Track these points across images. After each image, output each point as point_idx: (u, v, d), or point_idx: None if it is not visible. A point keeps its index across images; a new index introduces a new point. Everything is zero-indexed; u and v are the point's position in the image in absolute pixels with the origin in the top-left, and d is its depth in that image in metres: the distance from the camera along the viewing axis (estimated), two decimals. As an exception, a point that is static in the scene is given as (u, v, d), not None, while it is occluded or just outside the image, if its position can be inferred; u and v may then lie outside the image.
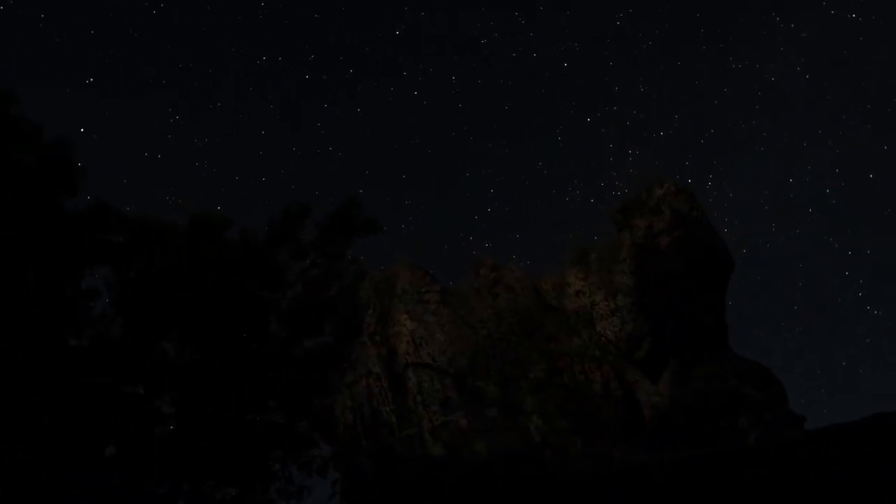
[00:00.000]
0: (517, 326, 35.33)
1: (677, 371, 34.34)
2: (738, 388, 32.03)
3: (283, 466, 19.02)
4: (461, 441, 28.98)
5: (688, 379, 33.63)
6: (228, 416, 17.92)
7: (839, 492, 14.97)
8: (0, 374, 16.35)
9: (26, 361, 16.72)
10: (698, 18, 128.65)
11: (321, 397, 19.58)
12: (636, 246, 37.20)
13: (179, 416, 17.95)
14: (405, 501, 21.60)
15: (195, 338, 18.13)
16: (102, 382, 17.67)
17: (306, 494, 19.27)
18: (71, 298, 17.67)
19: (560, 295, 39.54)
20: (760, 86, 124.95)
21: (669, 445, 31.90)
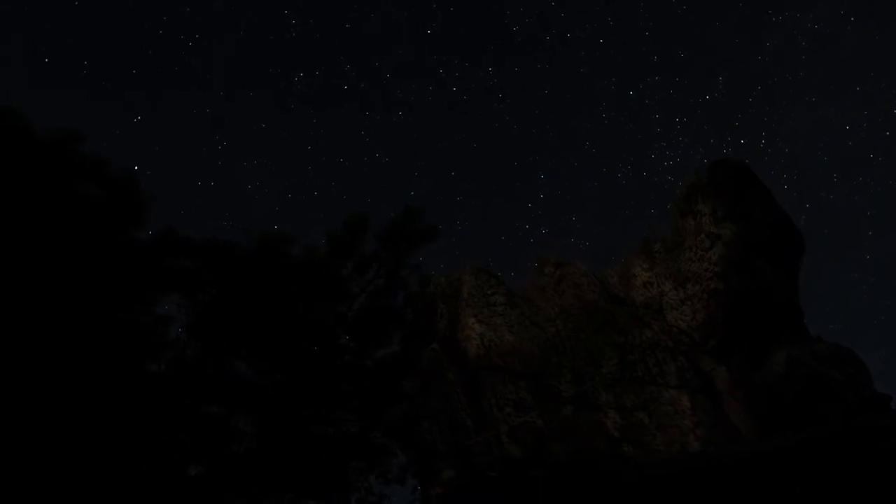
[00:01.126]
0: (586, 322, 35.01)
1: (755, 357, 33.52)
2: (820, 371, 31.08)
3: (361, 477, 19.22)
4: (539, 441, 28.85)
5: (766, 364, 32.78)
6: (304, 431, 18.17)
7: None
8: (84, 403, 16.93)
9: (108, 389, 17.29)
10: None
11: (394, 406, 19.72)
12: (701, 232, 36.48)
13: (258, 433, 18.28)
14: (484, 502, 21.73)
15: (267, 356, 18.45)
16: (183, 405, 18.16)
17: (388, 502, 19.44)
18: (146, 326, 18.18)
19: (627, 287, 39.08)
20: (804, 35, 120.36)
21: (753, 434, 31.16)
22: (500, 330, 27.79)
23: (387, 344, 19.30)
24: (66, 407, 16.84)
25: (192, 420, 18.10)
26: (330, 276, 19.08)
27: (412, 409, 18.97)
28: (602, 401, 32.43)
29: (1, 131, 16.95)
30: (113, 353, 17.58)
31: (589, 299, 36.98)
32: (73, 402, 16.88)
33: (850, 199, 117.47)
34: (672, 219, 39.12)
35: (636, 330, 35.50)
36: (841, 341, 36.95)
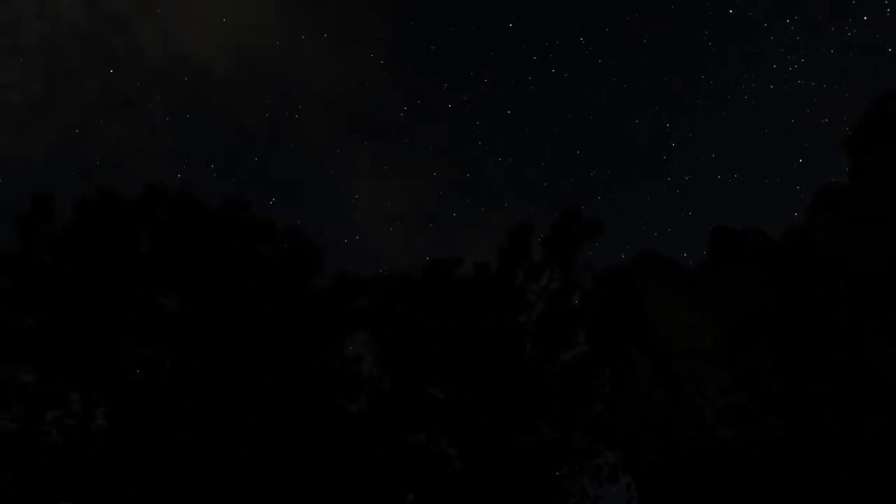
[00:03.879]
0: (774, 289, 33.09)
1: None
2: None
3: (572, 482, 19.01)
4: (746, 420, 27.54)
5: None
6: (507, 444, 18.21)
7: None
8: (291, 448, 17.73)
9: (315, 432, 18.05)
10: None
11: (590, 406, 19.41)
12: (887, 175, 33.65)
13: (462, 454, 18.49)
14: (704, 490, 20.86)
15: (456, 376, 18.67)
16: (386, 438, 18.69)
17: (602, 504, 19.10)
18: (338, 368, 18.86)
19: (808, 246, 36.63)
20: None
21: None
22: (686, 311, 26.90)
23: (572, 346, 19.06)
24: (282, 456, 17.70)
25: (398, 450, 18.56)
26: (503, 289, 19.09)
27: (610, 406, 18.55)
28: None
29: (178, 210, 18.16)
30: (316, 398, 18.33)
31: (772, 265, 34.90)
32: (287, 451, 17.71)
33: None
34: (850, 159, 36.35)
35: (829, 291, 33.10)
36: None
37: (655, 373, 18.25)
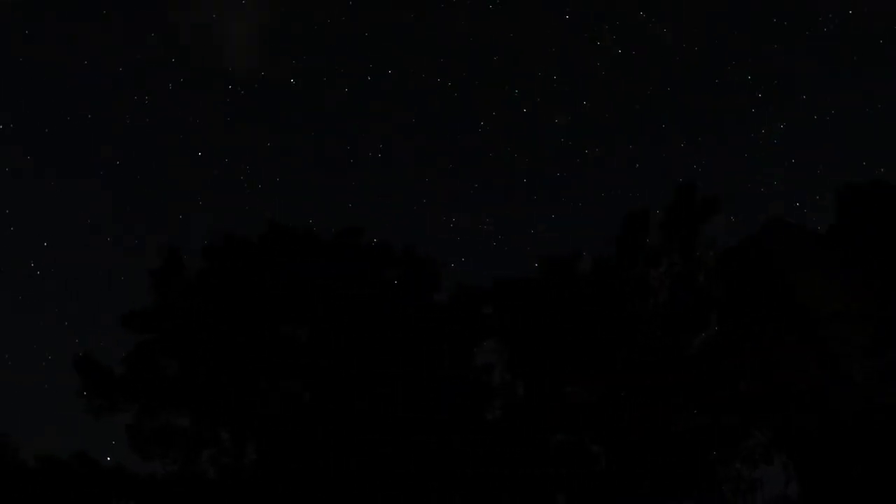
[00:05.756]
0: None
1: None
2: None
3: (725, 466, 18.42)
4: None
5: None
6: (652, 435, 17.86)
7: None
8: (436, 464, 17.91)
9: (458, 445, 18.19)
10: None
11: (728, 385, 18.74)
12: None
13: (607, 450, 18.26)
14: (864, 458, 19.77)
15: (590, 374, 18.46)
16: (526, 442, 18.63)
17: (760, 486, 18.39)
18: (470, 378, 18.95)
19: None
20: None
21: None
22: (825, 276, 25.47)
23: (704, 327, 18.52)
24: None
25: (540, 453, 18.47)
26: (623, 279, 18.78)
27: (756, 384, 17.90)
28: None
29: (298, 245, 18.76)
30: (452, 411, 18.49)
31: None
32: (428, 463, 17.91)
33: None
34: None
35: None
36: None
37: (802, 343, 17.48)
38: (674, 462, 17.67)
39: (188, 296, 18.95)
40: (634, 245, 18.35)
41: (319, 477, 18.01)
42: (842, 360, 22.09)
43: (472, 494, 17.23)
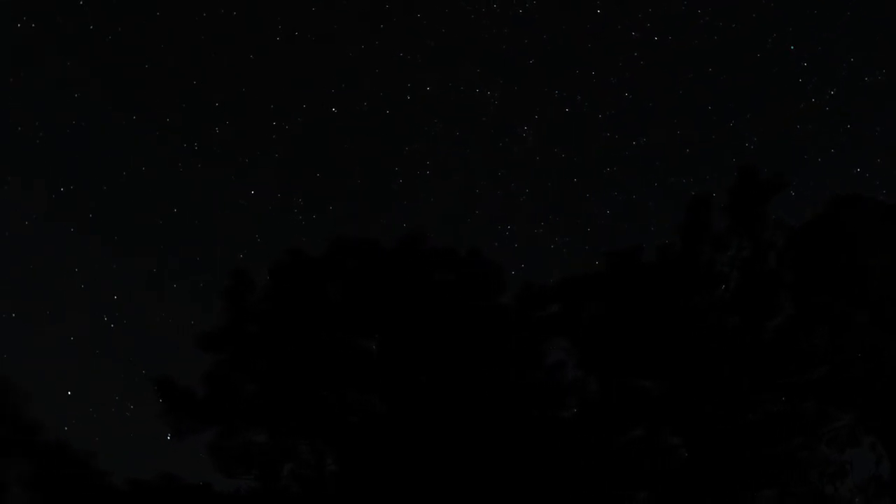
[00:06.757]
0: None
1: None
2: None
3: (809, 452, 18.00)
4: None
5: None
6: (734, 424, 17.61)
7: None
8: (518, 469, 17.90)
9: (532, 444, 18.18)
10: None
11: (811, 369, 18.33)
12: None
13: (688, 442, 18.03)
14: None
15: (664, 365, 18.28)
16: (604, 438, 18.52)
17: (850, 469, 17.93)
18: (544, 377, 18.92)
19: None
20: None
21: None
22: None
23: (777, 310, 18.13)
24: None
25: (619, 449, 18.34)
26: (691, 267, 18.54)
27: (835, 364, 17.47)
28: None
29: (362, 256, 18.99)
30: (527, 413, 18.49)
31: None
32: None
33: None
34: None
35: None
36: None
37: (876, 320, 17.03)
38: (755, 450, 17.37)
39: (258, 314, 19.33)
40: (699, 231, 18.07)
41: (400, 485, 18.18)
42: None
43: (555, 495, 17.19)
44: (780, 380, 18.32)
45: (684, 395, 18.10)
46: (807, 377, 18.18)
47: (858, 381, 17.32)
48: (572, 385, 19.16)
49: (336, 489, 18.78)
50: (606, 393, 18.62)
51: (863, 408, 17.73)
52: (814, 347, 17.73)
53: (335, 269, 19.11)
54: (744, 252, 18.09)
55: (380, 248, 19.24)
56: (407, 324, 18.73)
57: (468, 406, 18.46)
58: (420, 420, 18.52)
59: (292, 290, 19.20)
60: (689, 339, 18.25)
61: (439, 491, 17.85)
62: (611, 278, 19.22)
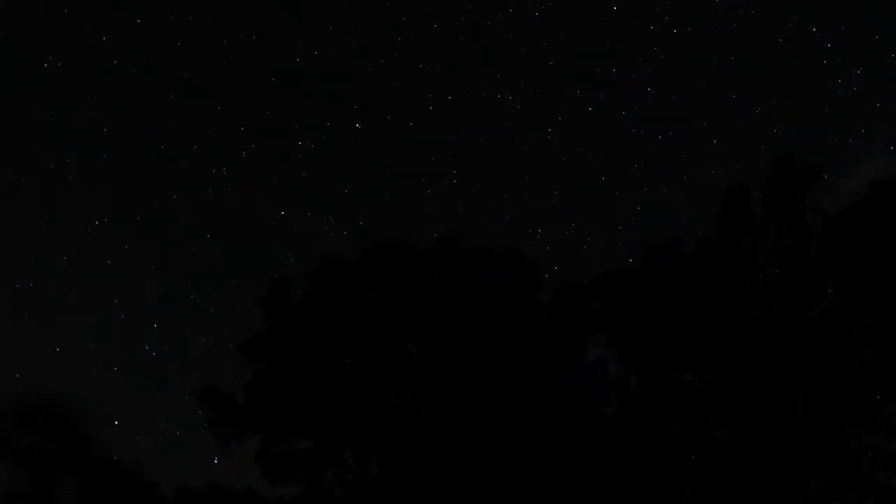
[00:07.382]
0: None
1: None
2: None
3: (858, 440, 17.71)
4: None
5: None
6: (781, 415, 17.41)
7: None
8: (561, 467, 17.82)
9: (577, 442, 18.10)
10: None
11: (858, 356, 18.01)
12: None
13: (733, 435, 17.87)
14: None
15: (707, 357, 18.11)
16: (647, 433, 18.38)
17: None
18: (585, 374, 18.83)
19: None
20: None
21: None
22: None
23: (820, 299, 17.88)
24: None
25: (664, 443, 18.18)
26: (730, 258, 18.35)
27: (880, 351, 17.17)
28: None
29: (397, 260, 19.05)
30: (568, 410, 18.41)
31: None
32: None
33: None
34: None
35: None
36: None
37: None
38: (802, 441, 17.14)
39: (297, 321, 19.48)
40: (737, 222, 17.87)
41: (443, 487, 18.19)
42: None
43: (602, 491, 17.09)
44: (826, 369, 18.04)
45: (728, 387, 17.90)
46: (853, 365, 17.89)
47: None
48: (614, 381, 19.06)
49: (379, 492, 18.84)
50: (648, 388, 18.48)
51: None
52: (859, 334, 17.45)
53: (372, 273, 19.19)
54: (784, 241, 17.86)
55: (415, 250, 19.30)
56: (446, 325, 18.74)
57: (510, 406, 18.44)
58: (461, 421, 18.52)
59: (330, 296, 19.33)
60: (732, 330, 18.04)
61: (483, 491, 17.82)
62: (649, 272, 19.07)
